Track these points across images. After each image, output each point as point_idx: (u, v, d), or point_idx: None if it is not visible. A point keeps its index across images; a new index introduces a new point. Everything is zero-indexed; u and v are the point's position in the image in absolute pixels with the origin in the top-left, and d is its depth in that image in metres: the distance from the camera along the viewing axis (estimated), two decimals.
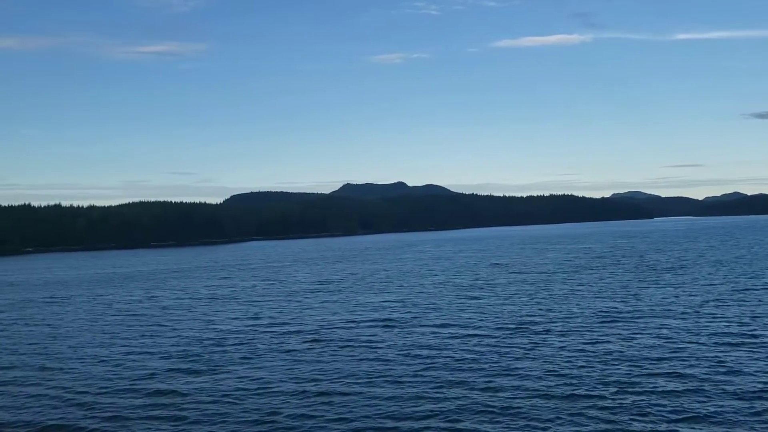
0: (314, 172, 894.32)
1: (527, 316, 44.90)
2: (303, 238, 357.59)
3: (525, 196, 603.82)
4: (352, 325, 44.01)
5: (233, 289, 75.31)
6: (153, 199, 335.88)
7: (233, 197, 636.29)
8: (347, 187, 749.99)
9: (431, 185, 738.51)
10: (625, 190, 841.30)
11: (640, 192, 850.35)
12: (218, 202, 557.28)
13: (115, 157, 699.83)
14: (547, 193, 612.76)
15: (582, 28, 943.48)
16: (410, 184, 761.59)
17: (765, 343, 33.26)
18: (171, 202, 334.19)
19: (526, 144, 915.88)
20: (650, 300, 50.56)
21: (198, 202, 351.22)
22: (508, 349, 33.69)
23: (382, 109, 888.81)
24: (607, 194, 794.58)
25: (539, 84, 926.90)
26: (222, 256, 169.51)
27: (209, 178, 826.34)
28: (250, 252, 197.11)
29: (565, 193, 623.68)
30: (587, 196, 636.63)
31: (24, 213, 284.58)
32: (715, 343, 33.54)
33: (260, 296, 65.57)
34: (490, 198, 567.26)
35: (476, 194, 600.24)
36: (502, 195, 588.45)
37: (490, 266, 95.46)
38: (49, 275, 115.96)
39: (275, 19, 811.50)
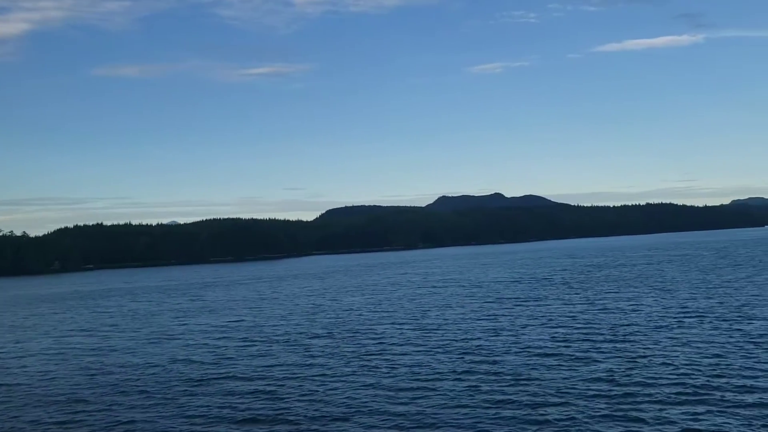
0: (415, 185, 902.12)
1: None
2: (365, 252, 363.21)
3: (619, 205, 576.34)
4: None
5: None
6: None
7: (328, 212, 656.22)
8: (442, 200, 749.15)
9: (530, 196, 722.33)
10: (746, 197, 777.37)
11: (762, 198, 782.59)
12: (314, 218, 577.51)
13: (233, 175, 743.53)
14: (643, 202, 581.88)
15: (691, 29, 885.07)
16: (508, 195, 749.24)
17: None
18: (232, 219, 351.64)
19: (640, 150, 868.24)
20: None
21: (276, 218, 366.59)
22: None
23: (481, 119, 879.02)
24: (727, 201, 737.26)
25: (649, 87, 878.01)
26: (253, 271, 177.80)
27: (318, 193, 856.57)
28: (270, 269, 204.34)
29: (672, 202, 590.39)
30: (708, 203, 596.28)
31: (95, 231, 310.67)
32: None
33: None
34: (576, 209, 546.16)
35: (567, 204, 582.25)
36: (590, 205, 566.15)
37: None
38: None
39: (373, 35, 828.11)
